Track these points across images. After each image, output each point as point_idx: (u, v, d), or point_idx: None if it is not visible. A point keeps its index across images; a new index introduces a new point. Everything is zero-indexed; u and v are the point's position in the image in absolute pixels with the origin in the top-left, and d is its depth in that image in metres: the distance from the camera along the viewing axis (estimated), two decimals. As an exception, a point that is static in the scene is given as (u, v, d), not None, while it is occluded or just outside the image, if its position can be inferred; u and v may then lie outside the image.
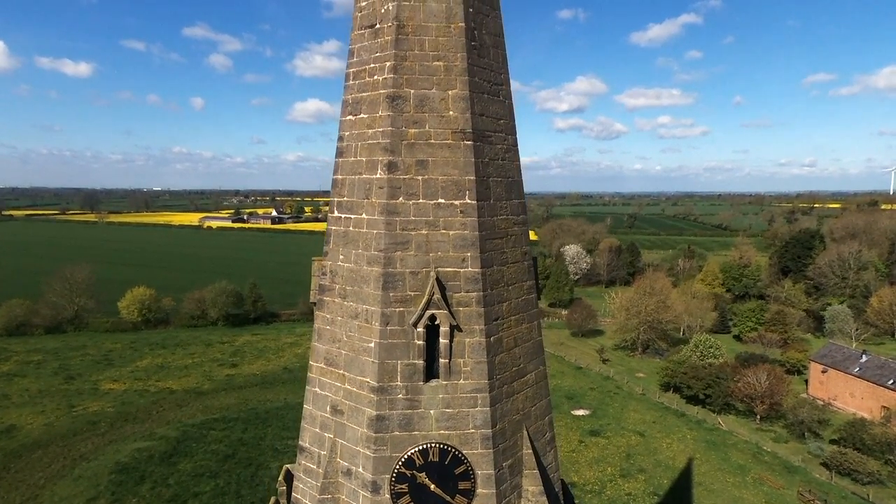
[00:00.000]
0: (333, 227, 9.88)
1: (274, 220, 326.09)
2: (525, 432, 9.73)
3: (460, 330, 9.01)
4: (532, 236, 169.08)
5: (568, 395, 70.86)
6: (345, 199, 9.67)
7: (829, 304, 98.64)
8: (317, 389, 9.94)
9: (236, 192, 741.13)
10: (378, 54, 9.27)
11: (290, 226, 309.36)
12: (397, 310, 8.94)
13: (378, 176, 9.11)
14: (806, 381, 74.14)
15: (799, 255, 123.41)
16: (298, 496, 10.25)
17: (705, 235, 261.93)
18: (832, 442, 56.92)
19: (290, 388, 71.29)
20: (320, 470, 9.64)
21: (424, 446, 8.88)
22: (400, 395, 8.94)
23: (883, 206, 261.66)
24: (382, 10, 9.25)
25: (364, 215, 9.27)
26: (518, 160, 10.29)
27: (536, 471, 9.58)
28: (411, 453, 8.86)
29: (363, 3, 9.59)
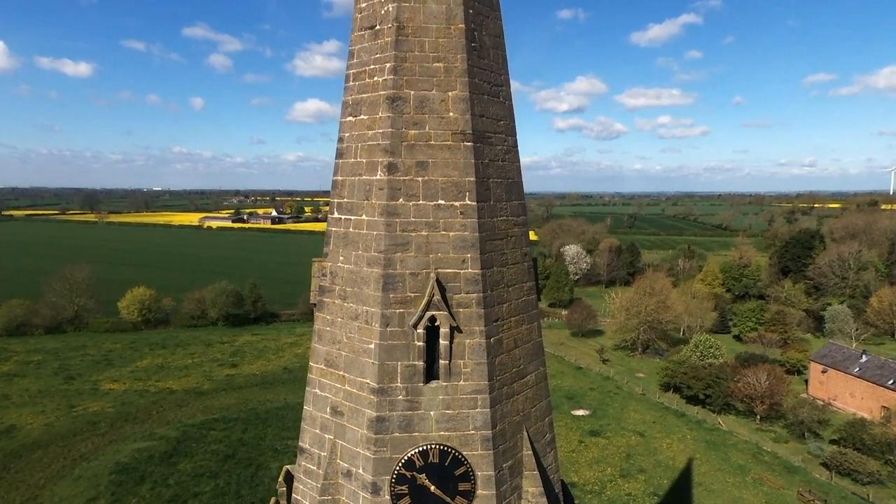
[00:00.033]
0: (333, 229, 9.89)
1: (274, 220, 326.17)
2: (525, 433, 9.73)
3: (460, 331, 9.02)
4: (532, 236, 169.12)
5: (568, 396, 70.87)
6: (345, 200, 9.67)
7: (829, 304, 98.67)
8: (317, 391, 9.94)
9: (236, 192, 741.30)
10: (378, 56, 9.27)
11: (290, 226, 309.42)
12: (397, 311, 8.94)
13: (378, 177, 9.11)
14: (806, 382, 74.16)
15: (799, 255, 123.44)
16: (298, 497, 10.25)
17: (705, 235, 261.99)
18: (832, 442, 56.94)
19: (290, 389, 71.30)
20: (320, 471, 9.64)
21: (424, 448, 8.88)
22: (400, 397, 8.94)
23: (883, 206, 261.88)
24: (382, 12, 9.25)
25: (364, 216, 9.28)
26: (518, 161, 10.30)
27: (536, 472, 9.58)
28: (411, 454, 8.86)
29: (363, 5, 9.59)
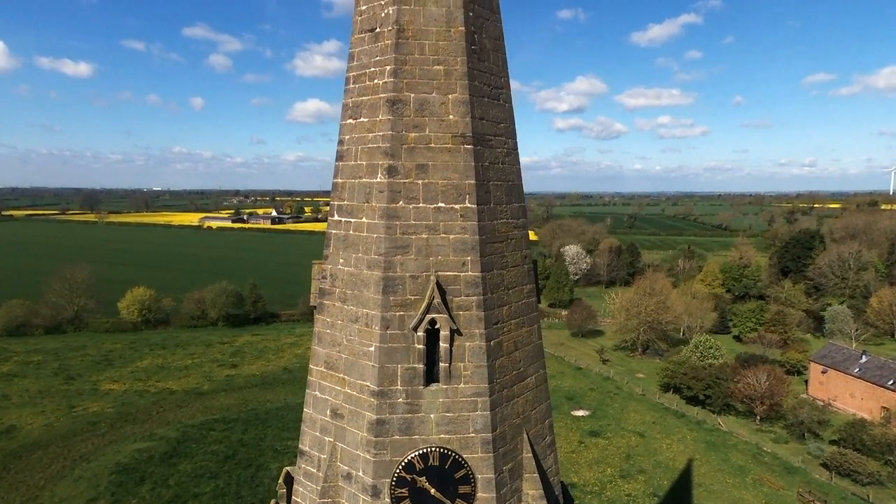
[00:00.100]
0: (333, 231, 9.89)
1: (274, 221, 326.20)
2: (525, 436, 9.73)
3: (460, 334, 9.01)
4: (532, 236, 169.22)
5: (568, 396, 70.88)
6: (345, 202, 9.67)
7: (829, 305, 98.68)
8: (317, 393, 9.94)
9: (236, 192, 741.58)
10: (378, 58, 9.27)
11: (290, 226, 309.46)
12: (397, 314, 8.94)
13: (378, 180, 9.11)
14: (806, 382, 74.16)
15: (799, 256, 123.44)
16: (298, 499, 10.25)
17: (705, 236, 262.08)
18: (832, 443, 56.94)
19: (290, 389, 71.31)
20: (320, 473, 9.64)
21: (424, 450, 8.88)
22: (400, 399, 8.94)
23: (883, 207, 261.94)
24: (383, 15, 9.25)
25: (364, 219, 9.28)
26: (518, 164, 10.30)
27: (536, 474, 9.58)
28: (411, 457, 8.86)
29: (363, 7, 9.59)
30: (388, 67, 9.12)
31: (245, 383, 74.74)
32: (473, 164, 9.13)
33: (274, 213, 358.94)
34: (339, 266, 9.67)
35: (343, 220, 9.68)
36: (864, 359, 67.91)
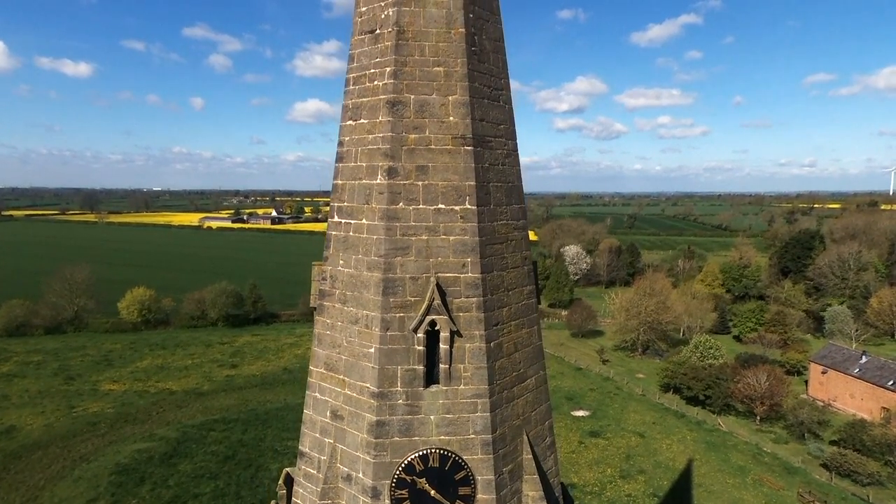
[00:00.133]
0: (333, 232, 9.89)
1: (274, 221, 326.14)
2: (525, 437, 9.73)
3: (460, 335, 9.01)
4: (532, 237, 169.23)
5: (568, 396, 70.87)
6: (345, 204, 9.67)
7: (829, 305, 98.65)
8: (317, 394, 9.94)
9: (236, 193, 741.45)
10: (378, 60, 9.27)
11: (290, 226, 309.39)
12: (397, 315, 8.94)
13: (378, 181, 9.11)
14: (806, 382, 74.15)
15: (799, 256, 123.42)
16: (298, 501, 10.24)
17: (705, 236, 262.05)
18: (832, 443, 56.94)
19: (290, 389, 71.30)
20: (320, 475, 9.64)
21: (424, 452, 8.88)
22: (400, 401, 8.94)
23: (883, 207, 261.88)
24: (382, 16, 9.25)
25: (364, 220, 9.28)
26: (518, 165, 10.30)
27: (536, 476, 9.57)
28: (411, 459, 8.86)
29: (363, 9, 9.59)
30: (388, 69, 9.12)
31: (245, 383, 74.73)
32: (473, 165, 9.13)
33: (274, 214, 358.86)
34: (339, 267, 9.67)
35: (343, 221, 9.68)
36: (864, 359, 67.90)
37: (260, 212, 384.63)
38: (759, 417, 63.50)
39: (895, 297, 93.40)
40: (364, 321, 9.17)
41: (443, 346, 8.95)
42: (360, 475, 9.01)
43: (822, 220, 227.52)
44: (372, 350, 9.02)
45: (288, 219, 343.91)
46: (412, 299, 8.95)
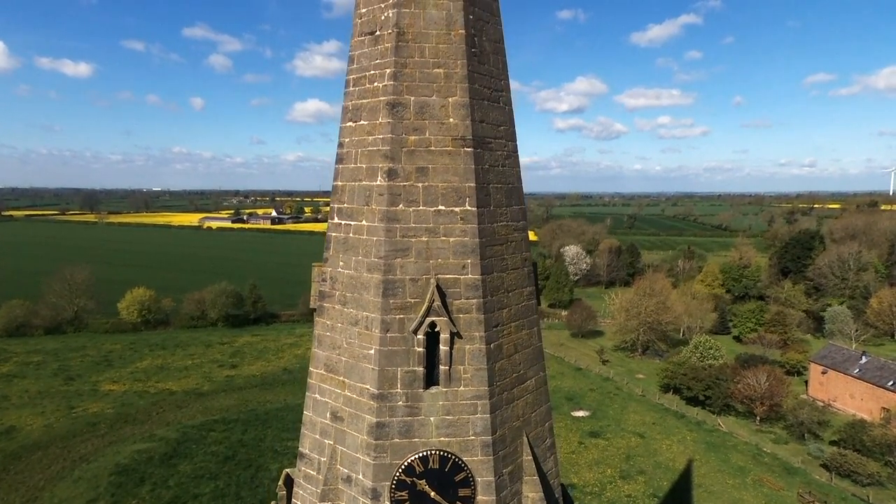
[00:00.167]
0: (333, 234, 9.89)
1: (274, 221, 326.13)
2: (525, 439, 9.73)
3: (460, 337, 9.01)
4: (532, 237, 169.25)
5: (568, 397, 70.86)
6: (345, 205, 9.67)
7: (829, 305, 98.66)
8: (317, 396, 9.94)
9: (236, 193, 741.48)
10: (378, 61, 9.27)
11: (290, 226, 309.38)
12: (397, 317, 8.94)
13: (378, 183, 9.11)
14: (806, 383, 74.15)
15: (799, 256, 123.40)
16: (298, 502, 10.24)
17: (705, 236, 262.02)
18: (832, 443, 56.94)
19: (290, 390, 71.28)
20: (320, 476, 9.64)
21: (424, 453, 8.88)
22: (400, 402, 8.93)
23: (883, 207, 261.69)
24: (382, 17, 9.25)
25: (364, 222, 9.28)
26: (518, 166, 10.30)
27: (536, 477, 9.57)
28: (411, 460, 8.85)
29: (363, 10, 9.59)
30: (387, 70, 9.12)
31: (245, 384, 74.71)
32: (473, 167, 9.13)
33: (274, 214, 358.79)
34: (339, 269, 9.67)
35: (343, 222, 9.67)
36: (863, 359, 67.91)
37: (260, 212, 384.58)
38: (759, 418, 63.49)
39: (895, 298, 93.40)
40: (364, 323, 9.17)
41: (443, 348, 8.95)
42: (360, 477, 9.01)
43: (822, 221, 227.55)
44: (372, 351, 9.02)
45: (288, 219, 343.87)
46: (412, 301, 8.95)
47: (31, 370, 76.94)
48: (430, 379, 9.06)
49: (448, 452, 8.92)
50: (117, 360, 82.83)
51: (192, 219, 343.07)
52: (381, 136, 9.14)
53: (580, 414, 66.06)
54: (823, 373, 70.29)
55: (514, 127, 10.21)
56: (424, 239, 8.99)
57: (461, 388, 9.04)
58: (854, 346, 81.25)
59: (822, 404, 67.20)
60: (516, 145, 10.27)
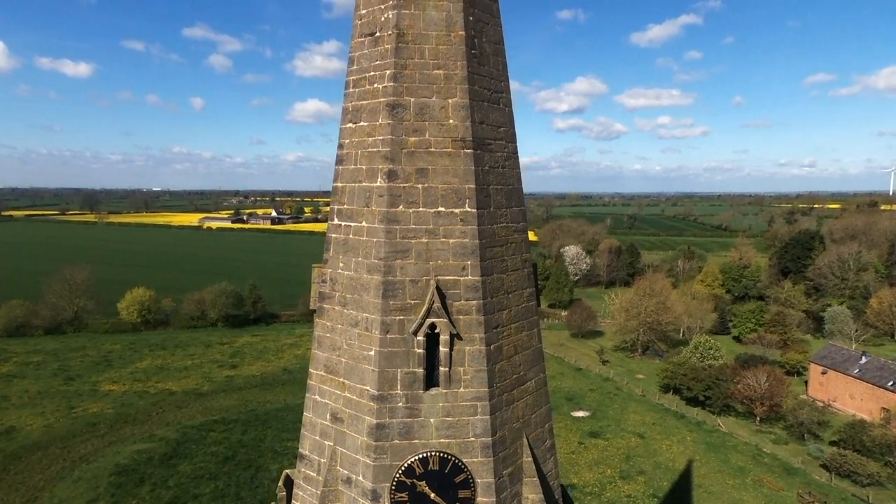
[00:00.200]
0: (333, 235, 9.89)
1: (273, 221, 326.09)
2: (525, 440, 9.73)
3: (460, 338, 9.01)
4: (532, 237, 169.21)
5: (568, 397, 70.86)
6: (345, 206, 9.67)
7: (829, 306, 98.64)
8: (317, 397, 9.94)
9: (236, 193, 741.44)
10: (378, 62, 9.27)
11: (290, 226, 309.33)
12: (397, 318, 8.94)
13: (378, 184, 9.11)
14: (806, 383, 74.15)
15: (798, 256, 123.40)
16: (298, 503, 10.24)
17: (705, 236, 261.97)
18: (832, 443, 56.94)
19: (290, 390, 71.28)
20: (320, 478, 9.64)
21: (424, 455, 8.88)
22: (400, 404, 8.93)
23: (882, 207, 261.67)
24: (382, 19, 9.25)
25: (364, 223, 9.28)
26: (518, 168, 10.29)
27: (536, 479, 9.57)
28: (411, 462, 8.85)
29: (363, 12, 9.59)
30: (387, 72, 9.12)
31: (245, 384, 74.70)
32: (473, 168, 9.13)
33: (274, 214, 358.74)
34: (339, 270, 9.67)
35: (343, 224, 9.67)
36: (863, 360, 67.91)
37: (260, 212, 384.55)
38: (758, 418, 63.49)
39: (895, 298, 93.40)
40: (364, 324, 9.17)
41: (442, 349, 8.95)
42: (360, 478, 9.01)
43: (821, 221, 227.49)
44: (372, 353, 9.01)
45: (288, 219, 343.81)
46: (412, 302, 8.95)
47: (31, 370, 76.94)
48: (430, 380, 9.06)
49: (448, 454, 8.92)
50: (117, 361, 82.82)
51: (191, 219, 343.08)
52: (381, 138, 9.14)
53: (580, 414, 66.06)
54: (823, 373, 70.29)
55: (514, 128, 10.21)
56: (424, 240, 8.99)
57: (461, 389, 9.04)
58: (854, 346, 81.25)
59: (821, 404, 67.21)
60: (516, 146, 10.27)
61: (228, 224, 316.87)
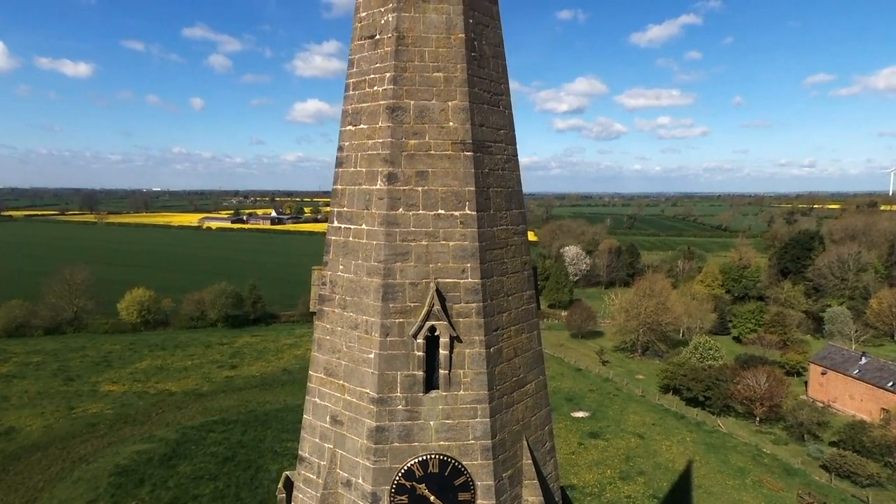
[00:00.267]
0: (333, 237, 9.88)
1: (273, 221, 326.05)
2: (525, 442, 9.72)
3: (460, 341, 9.01)
4: (532, 237, 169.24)
5: (567, 397, 70.85)
6: (345, 209, 9.67)
7: (829, 306, 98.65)
8: (316, 399, 9.93)
9: (236, 193, 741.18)
10: (378, 65, 9.27)
11: (290, 226, 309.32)
12: (397, 321, 8.94)
13: (378, 187, 9.11)
14: (805, 383, 74.15)
15: (798, 257, 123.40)
16: (298, 506, 10.24)
17: (705, 236, 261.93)
18: (832, 444, 56.94)
19: (290, 390, 71.26)
20: (320, 480, 9.64)
21: (424, 457, 8.88)
22: (400, 406, 8.93)
23: (882, 208, 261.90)
24: (382, 21, 9.25)
25: (364, 226, 9.28)
26: (518, 170, 10.29)
27: (536, 481, 9.57)
28: (411, 464, 8.85)
29: (363, 14, 9.59)
30: (387, 74, 9.12)
31: (244, 384, 74.68)
32: (473, 170, 9.13)
33: (273, 214, 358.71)
34: (339, 272, 9.67)
35: (343, 226, 9.68)
36: (863, 360, 67.91)
37: (259, 212, 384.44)
38: (758, 419, 63.49)
39: (895, 298, 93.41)
40: (364, 326, 9.17)
41: (442, 352, 8.95)
42: (360, 481, 9.01)
43: (821, 221, 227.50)
44: (371, 355, 9.01)
45: (287, 219, 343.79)
46: (412, 305, 8.95)
47: (31, 371, 76.91)
48: (430, 383, 9.06)
49: (448, 456, 8.92)
50: (117, 361, 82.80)
51: (191, 219, 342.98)
52: (380, 140, 9.14)
53: (580, 415, 66.05)
54: (823, 373, 70.30)
55: (513, 131, 10.21)
56: (424, 243, 8.99)
57: (461, 392, 9.04)
58: (854, 346, 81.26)
59: (821, 405, 67.21)
60: (516, 149, 10.27)
61: (228, 224, 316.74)
